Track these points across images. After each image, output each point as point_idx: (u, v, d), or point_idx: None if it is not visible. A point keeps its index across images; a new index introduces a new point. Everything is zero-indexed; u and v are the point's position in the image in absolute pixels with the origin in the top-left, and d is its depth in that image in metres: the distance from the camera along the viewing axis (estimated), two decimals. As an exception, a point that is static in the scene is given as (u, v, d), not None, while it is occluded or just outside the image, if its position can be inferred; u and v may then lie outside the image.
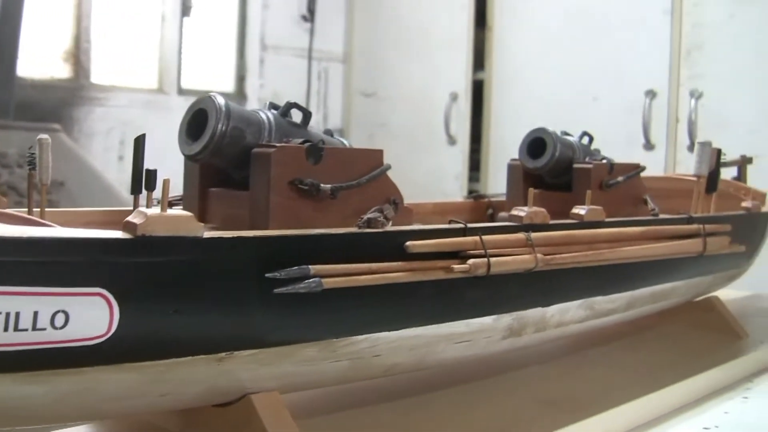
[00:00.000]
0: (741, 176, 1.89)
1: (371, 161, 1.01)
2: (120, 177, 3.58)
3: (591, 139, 1.50)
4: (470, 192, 3.80)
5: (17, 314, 0.64)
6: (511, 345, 1.11)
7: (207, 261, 0.74)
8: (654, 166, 3.27)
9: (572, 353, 1.27)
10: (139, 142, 0.79)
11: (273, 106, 1.03)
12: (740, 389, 1.35)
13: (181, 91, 3.76)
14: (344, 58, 4.29)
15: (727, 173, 1.82)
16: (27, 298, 0.64)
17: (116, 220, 1.04)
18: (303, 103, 3.86)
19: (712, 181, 1.45)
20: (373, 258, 0.87)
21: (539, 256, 1.04)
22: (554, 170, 1.41)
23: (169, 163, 3.25)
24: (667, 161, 3.26)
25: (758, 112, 3.01)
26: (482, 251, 0.97)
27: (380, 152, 1.03)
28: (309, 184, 0.93)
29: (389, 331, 0.91)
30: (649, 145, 3.31)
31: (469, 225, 0.99)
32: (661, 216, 1.33)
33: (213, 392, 0.81)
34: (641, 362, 1.32)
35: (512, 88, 3.71)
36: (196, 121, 0.96)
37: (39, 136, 0.92)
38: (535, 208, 1.08)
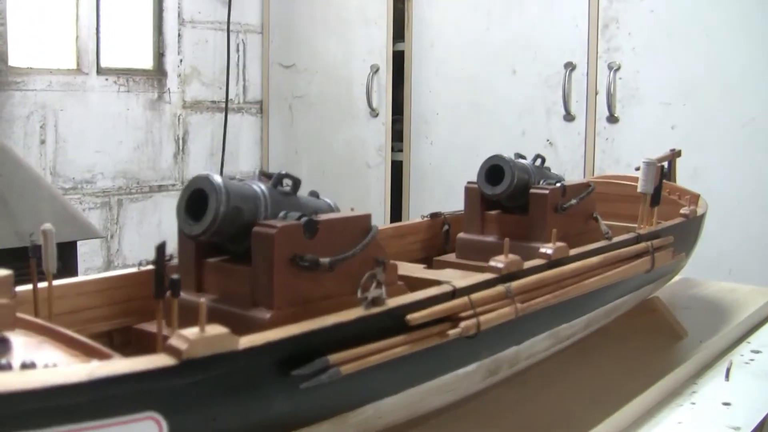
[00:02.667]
0: (671, 169, 2.00)
1: (360, 226, 1.06)
2: (42, 162, 3.52)
3: (543, 160, 1.58)
4: (394, 162, 3.87)
5: (76, 448, 0.68)
6: (487, 383, 1.19)
7: (241, 370, 0.78)
8: (575, 137, 3.41)
9: (535, 377, 1.35)
10: (161, 250, 0.82)
11: (264, 174, 1.07)
12: (687, 394, 1.46)
13: (100, 71, 3.69)
14: (262, 30, 4.26)
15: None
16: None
17: (125, 283, 1.09)
18: (223, 76, 3.88)
19: (656, 196, 1.55)
20: (378, 334, 0.93)
21: (518, 306, 1.12)
22: (512, 195, 1.48)
23: (88, 143, 3.22)
24: (587, 132, 3.38)
25: (673, 84, 3.15)
26: (471, 311, 1.04)
27: (368, 216, 1.08)
28: (309, 261, 0.98)
29: (392, 395, 0.98)
30: (569, 117, 3.42)
31: (457, 287, 1.05)
32: (614, 240, 1.41)
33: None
34: (596, 379, 1.42)
35: (432, 59, 3.76)
36: (194, 200, 0.99)
37: (43, 227, 0.94)
38: (510, 257, 1.15)
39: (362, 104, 3.91)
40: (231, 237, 1.00)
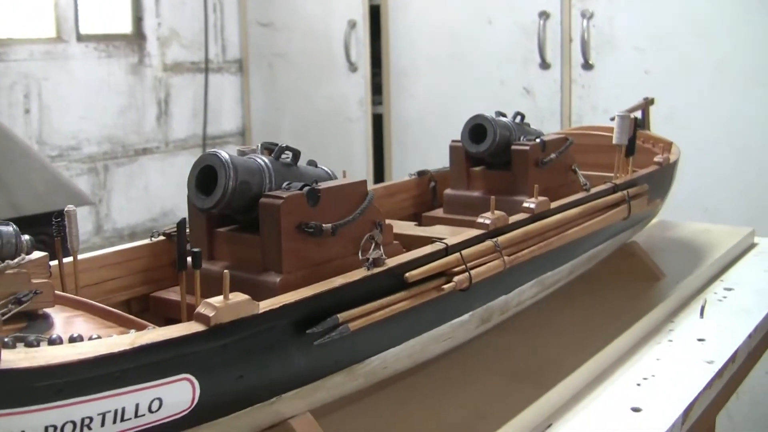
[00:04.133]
0: (644, 118, 2.08)
1: (357, 192, 1.14)
2: (28, 131, 3.56)
3: (522, 117, 1.66)
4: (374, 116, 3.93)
5: (123, 409, 0.77)
6: (481, 330, 1.28)
7: (262, 331, 0.87)
8: (551, 85, 3.48)
9: (523, 323, 1.45)
10: (181, 226, 0.90)
11: (267, 148, 1.14)
12: (664, 332, 1.57)
13: (80, 38, 3.71)
14: (239, -11, 4.28)
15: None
16: (131, 395, 0.77)
17: (141, 255, 1.16)
18: (202, 36, 3.93)
19: (630, 147, 1.63)
20: (381, 291, 1.02)
21: (506, 258, 1.20)
22: (494, 153, 1.57)
23: (72, 110, 3.27)
24: (563, 79, 3.45)
25: (646, 29, 3.22)
26: (463, 266, 1.12)
27: (364, 182, 1.15)
28: (313, 227, 1.06)
29: (395, 347, 1.07)
30: (544, 65, 3.49)
31: (449, 243, 1.14)
32: (592, 191, 1.50)
33: (261, 426, 0.95)
34: (579, 322, 1.52)
35: (409, 13, 3.81)
36: (204, 176, 1.06)
37: (66, 208, 1.02)
38: (497, 214, 1.24)
39: (341, 59, 3.96)
40: (239, 209, 1.08)
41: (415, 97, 3.85)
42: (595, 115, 3.37)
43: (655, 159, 1.76)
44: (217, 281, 0.86)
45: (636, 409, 1.26)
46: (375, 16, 3.88)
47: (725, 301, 1.73)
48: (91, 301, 0.94)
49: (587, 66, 3.39)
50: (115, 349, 0.74)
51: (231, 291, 0.85)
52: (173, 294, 1.15)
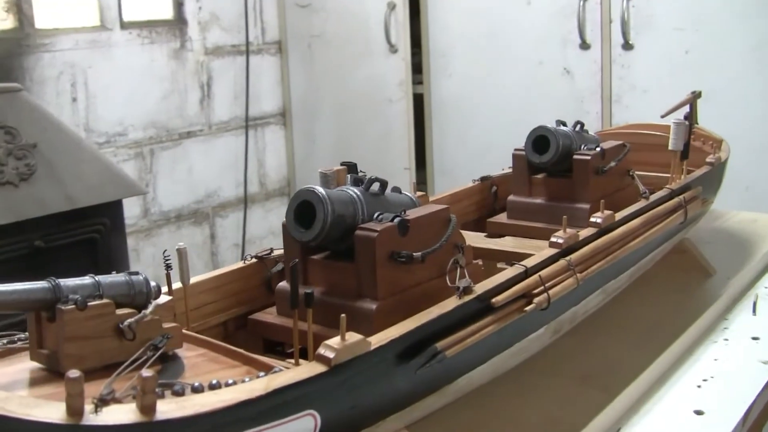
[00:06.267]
0: (692, 112, 2.13)
1: (442, 218, 1.22)
2: (75, 119, 3.65)
3: (582, 125, 1.72)
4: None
5: (259, 444, 0.85)
6: (552, 340, 1.36)
7: (373, 365, 0.95)
8: (591, 65, 3.52)
9: (585, 329, 1.52)
10: (294, 270, 0.98)
11: (358, 179, 1.22)
12: (719, 330, 1.64)
13: (123, 25, 3.78)
14: (276, -29, 4.33)
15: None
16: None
17: (235, 278, 1.25)
18: (241, 19, 4.01)
19: (685, 152, 1.69)
20: (469, 317, 1.10)
21: (578, 275, 1.28)
22: (556, 162, 1.63)
23: (117, 97, 3.36)
24: (603, 59, 3.49)
25: (685, 9, 3.24)
26: (542, 287, 1.20)
27: (448, 209, 1.23)
28: (405, 256, 1.14)
29: (480, 365, 1.15)
30: (584, 45, 3.53)
31: (528, 266, 1.21)
32: (651, 199, 1.57)
33: (363, 446, 1.04)
34: (639, 323, 1.60)
35: (447, -7, 3.84)
36: (302, 210, 1.14)
37: (177, 246, 1.10)
38: (569, 232, 1.31)
39: (380, 41, 4.00)
40: (335, 239, 1.16)
41: (453, 77, 3.89)
42: (634, 94, 3.42)
43: (708, 159, 1.82)
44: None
45: (699, 412, 1.34)
46: (414, -3, 3.92)
47: (776, 297, 1.79)
48: (211, 340, 1.02)
49: (627, 46, 3.42)
50: (253, 395, 0.83)
51: (326, 315, 0.93)
52: (269, 316, 1.24)
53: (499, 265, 1.56)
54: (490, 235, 1.62)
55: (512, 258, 1.46)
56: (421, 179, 4.03)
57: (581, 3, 3.48)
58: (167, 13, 3.99)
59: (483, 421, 1.26)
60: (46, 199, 2.73)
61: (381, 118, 4.09)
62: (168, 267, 1.08)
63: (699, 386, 1.42)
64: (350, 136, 4.23)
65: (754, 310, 1.72)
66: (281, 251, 1.32)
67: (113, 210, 3.02)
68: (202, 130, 4.15)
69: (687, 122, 1.71)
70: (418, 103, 4.01)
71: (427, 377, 1.05)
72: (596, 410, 1.28)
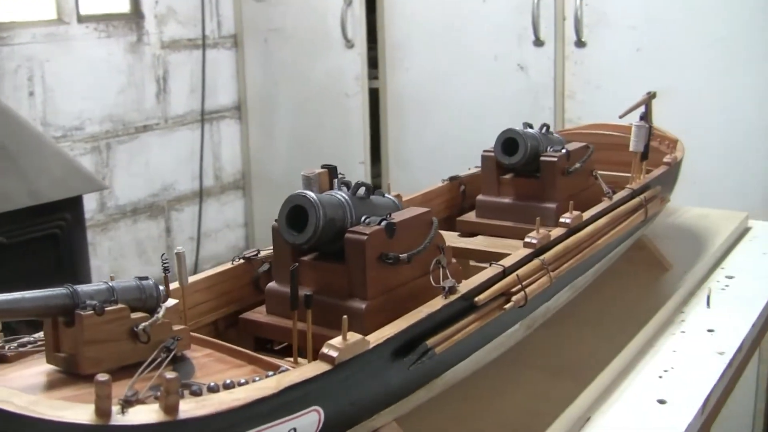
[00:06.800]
0: (647, 112, 2.22)
1: (425, 220, 1.28)
2: (32, 113, 3.64)
3: (548, 128, 1.80)
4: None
5: (268, 439, 0.91)
6: (526, 334, 1.43)
7: (370, 362, 1.01)
8: (545, 61, 3.61)
9: (555, 323, 1.60)
10: (293, 273, 1.03)
11: (344, 183, 1.27)
12: (677, 323, 1.74)
13: (81, 19, 3.76)
14: (232, -36, 4.34)
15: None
16: (275, 428, 0.91)
17: (225, 278, 1.30)
18: (198, 13, 4.04)
19: (645, 153, 1.78)
20: (455, 314, 1.17)
21: (551, 274, 1.36)
22: (525, 163, 1.71)
23: (75, 91, 3.36)
24: (557, 56, 3.58)
25: (638, 8, 3.34)
26: (519, 286, 1.27)
27: (430, 212, 1.29)
28: (393, 258, 1.20)
29: (464, 360, 1.22)
30: (538, 42, 3.61)
31: (506, 266, 1.28)
32: (614, 199, 1.65)
33: (357, 438, 1.10)
34: (604, 317, 1.68)
35: (404, -12, 3.90)
36: (294, 214, 1.20)
37: (176, 250, 1.14)
38: (542, 232, 1.38)
39: (337, 36, 4.05)
40: (326, 241, 1.21)
41: (410, 71, 3.95)
42: (587, 90, 3.51)
43: (665, 159, 1.91)
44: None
45: (662, 401, 1.43)
46: (370, -8, 3.97)
47: (728, 290, 1.90)
48: (214, 340, 1.07)
49: (580, 43, 3.51)
50: (266, 393, 0.88)
51: (316, 314, 0.99)
52: (259, 315, 1.29)
53: (472, 263, 1.63)
54: (462, 234, 1.68)
55: (486, 257, 1.54)
56: (377, 173, 4.10)
57: (536, 1, 3.57)
58: (124, 6, 3.98)
59: (466, 412, 1.34)
60: (9, 194, 2.73)
61: (338, 112, 4.14)
62: (166, 270, 1.13)
63: (660, 377, 1.51)
64: (307, 130, 4.27)
65: (708, 303, 1.82)
66: (267, 252, 1.37)
67: (74, 205, 3.03)
68: (158, 123, 4.15)
69: (647, 125, 1.79)
70: (375, 97, 4.06)
71: (418, 373, 1.11)
72: (568, 400, 1.36)
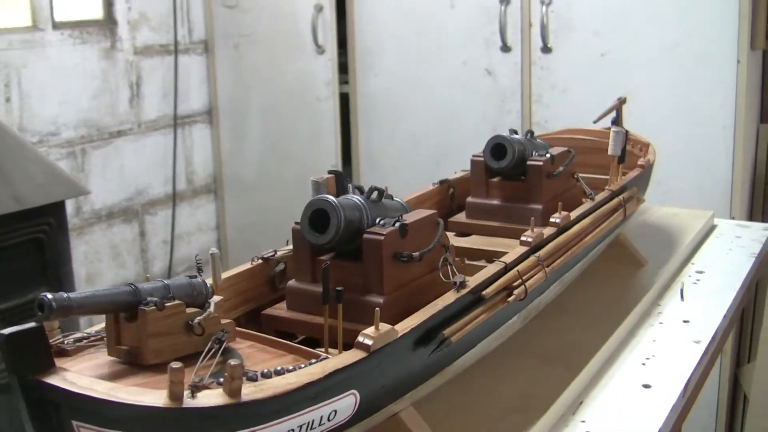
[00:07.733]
0: (618, 116, 2.35)
1: (432, 221, 1.39)
2: (9, 119, 3.67)
3: (532, 133, 1.92)
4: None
5: (313, 420, 1.01)
6: (522, 325, 1.55)
7: (398, 350, 1.12)
8: (512, 66, 3.74)
9: (545, 314, 1.71)
10: (326, 270, 1.13)
11: (357, 188, 1.37)
12: (655, 314, 1.86)
13: (56, 25, 3.81)
14: (203, -29, 4.41)
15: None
16: (319, 410, 1.01)
17: (244, 277, 1.39)
18: (170, 19, 4.17)
19: (622, 156, 1.91)
20: (464, 307, 1.27)
21: (546, 269, 1.47)
22: (512, 167, 1.82)
23: (51, 96, 3.42)
24: (523, 61, 3.71)
25: (603, 14, 3.48)
26: (520, 281, 1.39)
27: (436, 213, 1.40)
28: (406, 256, 1.30)
29: (472, 348, 1.33)
30: (506, 48, 3.74)
31: (507, 263, 1.39)
32: (596, 200, 1.77)
33: (379, 422, 1.20)
34: (589, 309, 1.81)
35: (373, -5, 4.01)
36: (316, 216, 1.29)
37: (211, 251, 1.23)
38: (536, 231, 1.50)
39: (308, 41, 4.14)
40: (344, 242, 1.31)
41: (380, 76, 4.06)
42: (553, 94, 3.65)
43: (639, 162, 2.04)
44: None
45: (646, 386, 1.55)
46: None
47: (699, 284, 2.03)
48: (254, 332, 1.17)
49: (546, 49, 3.64)
50: (314, 378, 0.98)
51: (334, 308, 1.10)
52: (280, 311, 1.39)
53: (466, 261, 1.74)
54: (457, 234, 1.79)
55: (481, 255, 1.66)
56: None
57: (503, 8, 3.69)
58: (98, 12, 4.03)
59: (471, 397, 1.45)
60: (-6, 199, 2.78)
61: (309, 117, 4.23)
62: (200, 270, 1.22)
63: (644, 364, 1.64)
64: (279, 134, 4.36)
65: (681, 296, 1.95)
66: (283, 252, 1.47)
67: (57, 210, 3.08)
68: (132, 128, 4.21)
69: (624, 130, 1.92)
70: (346, 102, 4.16)
71: (436, 360, 1.22)
72: (562, 386, 1.48)
